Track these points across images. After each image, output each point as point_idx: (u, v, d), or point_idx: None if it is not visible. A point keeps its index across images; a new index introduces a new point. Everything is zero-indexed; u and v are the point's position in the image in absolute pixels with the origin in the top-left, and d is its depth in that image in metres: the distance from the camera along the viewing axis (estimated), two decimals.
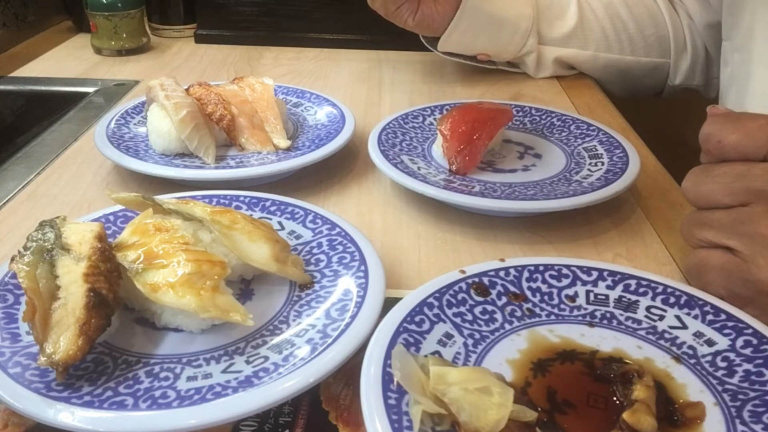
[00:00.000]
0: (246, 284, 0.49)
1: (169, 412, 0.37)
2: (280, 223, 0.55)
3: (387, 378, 0.37)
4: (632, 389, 0.39)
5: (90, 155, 0.72)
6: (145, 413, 0.37)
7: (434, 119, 0.75)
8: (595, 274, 0.48)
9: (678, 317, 0.45)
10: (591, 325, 0.45)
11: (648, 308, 0.46)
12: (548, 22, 0.92)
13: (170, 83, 0.70)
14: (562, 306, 0.46)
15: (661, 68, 0.97)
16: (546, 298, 0.47)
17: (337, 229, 0.53)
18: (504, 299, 0.46)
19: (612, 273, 0.48)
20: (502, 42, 0.91)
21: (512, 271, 0.48)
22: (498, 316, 0.45)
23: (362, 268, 0.48)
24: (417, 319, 0.43)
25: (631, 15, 0.93)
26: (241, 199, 0.57)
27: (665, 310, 0.46)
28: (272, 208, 0.56)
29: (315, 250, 0.51)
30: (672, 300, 0.46)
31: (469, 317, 0.44)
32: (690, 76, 0.96)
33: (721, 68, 0.79)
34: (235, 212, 0.48)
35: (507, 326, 0.44)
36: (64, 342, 0.38)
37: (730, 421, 0.38)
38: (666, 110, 1.08)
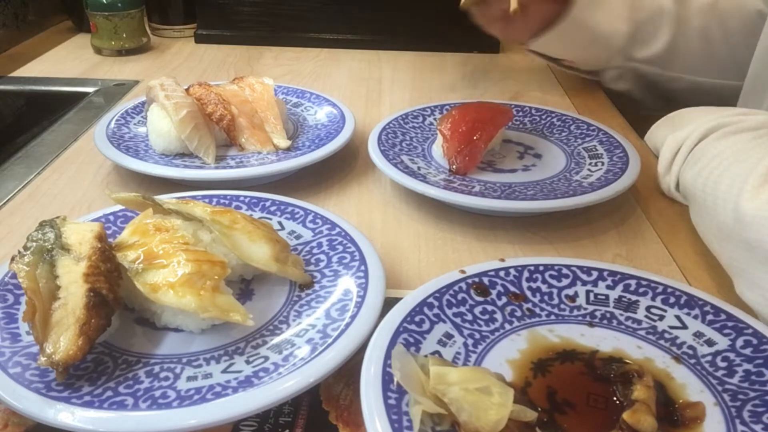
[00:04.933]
0: (246, 284, 0.49)
1: (169, 412, 0.37)
2: (280, 223, 0.55)
3: (387, 378, 0.37)
4: (632, 389, 0.39)
5: (90, 155, 0.72)
6: (145, 413, 0.37)
7: (434, 119, 0.75)
8: (595, 274, 0.48)
9: (678, 317, 0.45)
10: (591, 325, 0.45)
11: (648, 308, 0.46)
12: (639, 43, 0.87)
13: (170, 83, 0.70)
14: (562, 306, 0.46)
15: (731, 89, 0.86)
16: (546, 298, 0.47)
17: (337, 229, 0.53)
18: (504, 299, 0.46)
19: (612, 273, 0.48)
20: (589, 55, 0.89)
21: (512, 271, 0.48)
22: (498, 316, 0.45)
23: (362, 268, 0.48)
24: (417, 319, 0.43)
25: (724, 34, 0.84)
26: (241, 199, 0.57)
27: (665, 310, 0.46)
28: (272, 208, 0.56)
29: (315, 250, 0.51)
30: (672, 300, 0.46)
31: (469, 317, 0.44)
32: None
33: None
34: (235, 212, 0.48)
35: (507, 326, 0.44)
36: (64, 342, 0.38)
37: (730, 421, 0.38)
38: (666, 110, 1.07)
